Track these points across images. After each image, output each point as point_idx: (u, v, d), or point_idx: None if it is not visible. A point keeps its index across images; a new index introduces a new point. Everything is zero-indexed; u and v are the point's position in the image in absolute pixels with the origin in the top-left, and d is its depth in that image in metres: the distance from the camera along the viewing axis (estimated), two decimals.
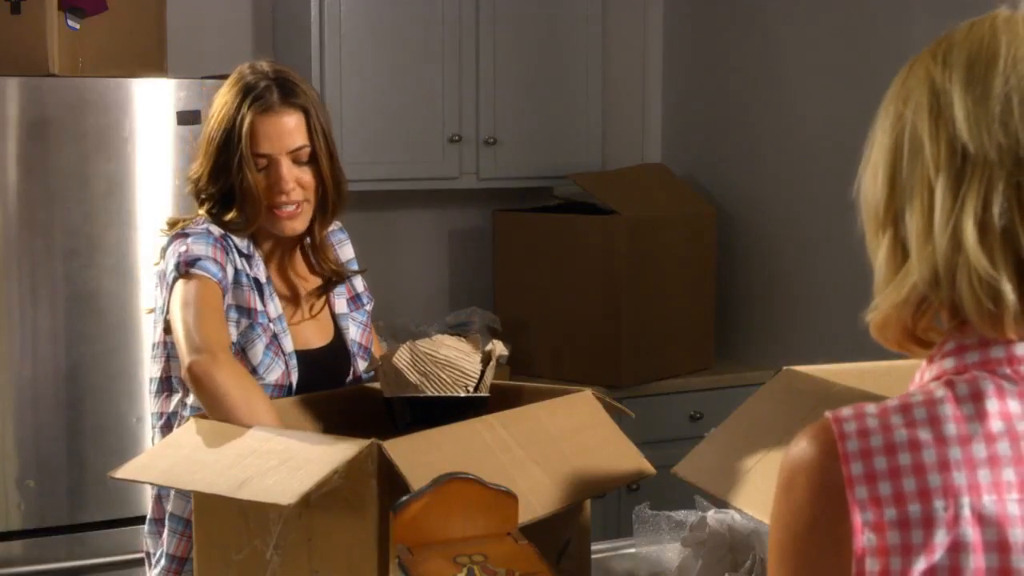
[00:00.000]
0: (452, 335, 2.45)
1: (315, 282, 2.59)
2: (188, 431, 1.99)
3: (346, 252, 2.68)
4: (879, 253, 1.22)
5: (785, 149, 4.58)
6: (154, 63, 3.69)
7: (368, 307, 2.67)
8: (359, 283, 2.68)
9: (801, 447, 1.15)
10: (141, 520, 3.55)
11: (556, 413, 2.11)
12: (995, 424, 1.12)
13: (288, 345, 2.45)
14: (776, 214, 4.64)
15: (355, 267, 2.68)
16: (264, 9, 4.48)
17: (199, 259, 2.36)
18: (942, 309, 1.18)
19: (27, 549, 3.46)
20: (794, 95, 4.53)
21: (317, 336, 2.53)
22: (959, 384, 1.15)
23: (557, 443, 2.02)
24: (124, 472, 1.95)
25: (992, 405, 1.13)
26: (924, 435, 1.12)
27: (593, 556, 2.18)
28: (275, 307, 2.46)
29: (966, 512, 1.10)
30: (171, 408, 2.46)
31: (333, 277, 2.59)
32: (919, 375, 1.22)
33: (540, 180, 4.72)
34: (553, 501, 1.91)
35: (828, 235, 4.41)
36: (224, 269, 2.39)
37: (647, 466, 2.14)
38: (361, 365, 2.58)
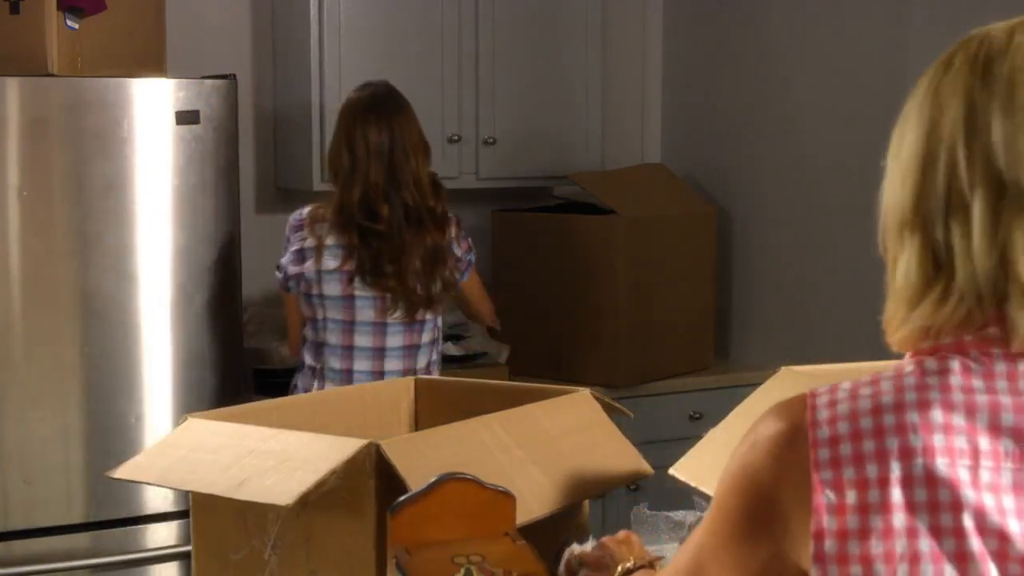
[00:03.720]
0: None
1: None
2: (185, 431, 1.99)
3: None
4: (902, 256, 1.24)
5: (785, 149, 4.58)
6: (153, 63, 3.69)
7: None
8: None
9: (774, 414, 1.24)
10: (140, 520, 3.58)
11: (554, 413, 2.10)
12: (955, 396, 1.17)
13: None
14: (776, 214, 4.64)
15: None
16: (263, 9, 4.48)
17: None
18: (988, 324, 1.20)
19: (26, 549, 3.46)
20: (793, 95, 4.53)
21: None
22: (928, 361, 1.20)
23: (555, 443, 2.02)
24: (122, 472, 1.95)
25: (955, 379, 1.18)
26: (886, 400, 1.18)
27: None
28: None
29: (919, 472, 1.15)
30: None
31: None
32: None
33: (539, 180, 4.72)
34: (551, 501, 1.90)
35: (828, 235, 4.41)
36: None
37: (645, 466, 2.14)
38: None
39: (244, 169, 3.97)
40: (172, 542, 3.57)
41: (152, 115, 3.57)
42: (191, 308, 3.64)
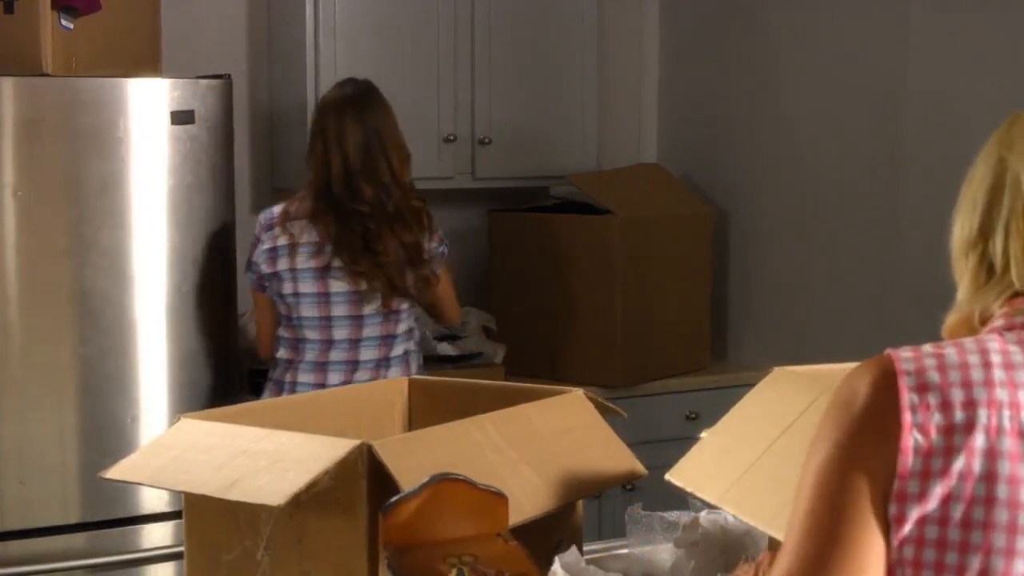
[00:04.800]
0: None
1: None
2: (178, 431, 1.99)
3: None
4: (966, 273, 1.39)
5: (782, 149, 4.58)
6: (148, 63, 3.69)
7: None
8: None
9: (860, 370, 1.30)
10: (135, 520, 3.58)
11: (548, 413, 2.10)
12: None
13: None
14: (772, 214, 4.64)
15: None
16: (259, 9, 4.47)
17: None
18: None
19: (22, 549, 3.45)
20: (790, 95, 4.53)
21: None
22: (1008, 333, 1.31)
23: (548, 444, 2.02)
24: (114, 472, 1.95)
25: None
26: (973, 359, 1.27)
27: (586, 557, 2.17)
28: None
29: (1007, 423, 1.23)
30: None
31: None
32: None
33: (535, 180, 4.71)
34: (544, 502, 1.90)
35: (824, 235, 4.41)
36: None
37: (639, 467, 2.14)
38: None
39: (239, 169, 3.97)
40: (168, 542, 3.57)
41: (147, 115, 3.56)
42: (186, 308, 3.63)
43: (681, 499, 2.27)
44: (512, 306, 4.55)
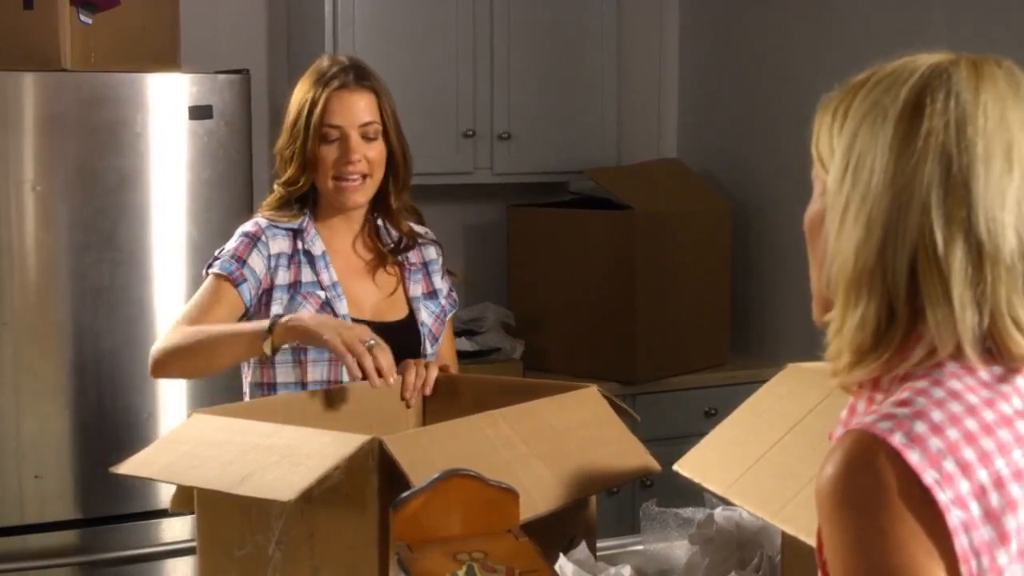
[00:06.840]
0: None
1: (388, 258, 2.76)
2: (190, 426, 1.99)
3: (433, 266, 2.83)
4: (860, 304, 1.24)
5: (801, 145, 4.51)
6: (167, 58, 3.69)
7: (444, 304, 2.83)
8: (439, 281, 2.83)
9: (850, 463, 1.15)
10: (150, 515, 3.58)
11: (561, 409, 2.09)
12: (1003, 388, 1.19)
13: (342, 308, 2.63)
14: (792, 210, 4.59)
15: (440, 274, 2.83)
16: (278, 4, 4.47)
17: (218, 258, 2.66)
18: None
19: (37, 543, 3.46)
20: (810, 90, 4.49)
21: (391, 311, 2.72)
22: (947, 365, 1.20)
23: (561, 439, 2.01)
24: (126, 468, 1.95)
25: (984, 374, 1.19)
26: (957, 409, 1.16)
27: (600, 553, 2.17)
28: (330, 275, 2.66)
29: (1023, 464, 1.16)
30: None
31: (404, 243, 2.76)
32: (867, 385, 1.27)
33: (555, 175, 4.70)
34: (556, 498, 1.89)
35: None
36: (244, 262, 2.62)
37: (652, 462, 2.13)
38: (429, 347, 2.75)
39: (257, 164, 3.97)
40: (183, 537, 3.57)
41: (166, 110, 3.56)
42: None
43: (696, 495, 2.26)
44: (531, 302, 4.54)
